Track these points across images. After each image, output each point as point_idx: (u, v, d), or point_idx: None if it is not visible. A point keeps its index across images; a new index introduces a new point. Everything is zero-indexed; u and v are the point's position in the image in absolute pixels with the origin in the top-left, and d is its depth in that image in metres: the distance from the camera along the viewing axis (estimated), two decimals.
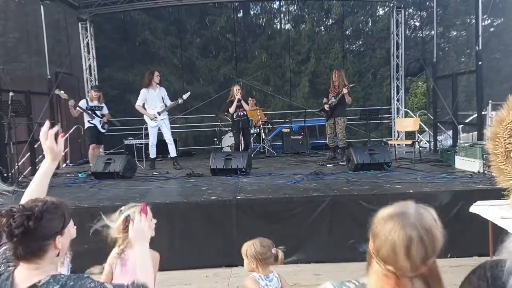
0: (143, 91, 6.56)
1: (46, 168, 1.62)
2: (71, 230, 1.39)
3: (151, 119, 6.56)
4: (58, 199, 1.37)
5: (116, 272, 2.19)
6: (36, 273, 1.26)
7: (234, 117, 7.21)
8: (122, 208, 2.21)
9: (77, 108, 6.56)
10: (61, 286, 1.24)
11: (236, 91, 7.06)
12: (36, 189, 1.54)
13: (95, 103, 6.80)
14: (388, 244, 0.98)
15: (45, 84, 7.58)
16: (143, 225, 1.55)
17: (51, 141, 1.62)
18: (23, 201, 1.45)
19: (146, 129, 6.97)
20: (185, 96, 6.71)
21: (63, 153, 1.66)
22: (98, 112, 6.79)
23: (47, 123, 1.65)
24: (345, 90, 6.49)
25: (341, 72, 6.82)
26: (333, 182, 5.04)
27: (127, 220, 2.07)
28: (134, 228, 1.54)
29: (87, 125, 6.79)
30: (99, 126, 6.76)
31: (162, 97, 6.61)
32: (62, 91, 6.62)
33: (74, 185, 5.71)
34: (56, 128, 1.66)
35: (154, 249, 2.20)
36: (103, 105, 6.97)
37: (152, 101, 6.55)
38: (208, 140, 10.69)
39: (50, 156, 1.62)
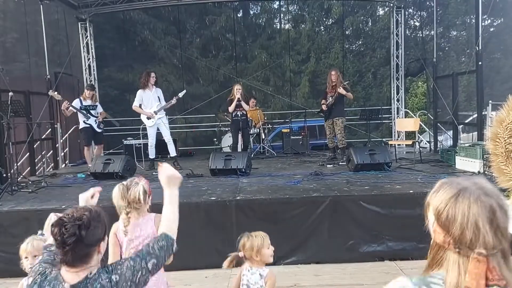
0: (139, 92, 6.57)
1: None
2: (107, 238, 1.49)
3: (148, 118, 6.54)
4: (99, 207, 1.47)
5: (122, 241, 2.25)
6: (81, 273, 1.36)
7: (233, 116, 7.19)
8: (136, 179, 2.29)
9: (70, 108, 6.50)
10: (108, 272, 1.36)
11: (236, 91, 7.05)
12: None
13: (89, 102, 6.74)
14: (471, 223, 0.89)
15: (45, 84, 7.56)
16: (172, 171, 1.72)
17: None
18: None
19: (144, 129, 6.96)
20: (180, 94, 6.69)
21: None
22: (92, 111, 6.72)
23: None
24: (340, 89, 6.48)
25: (337, 71, 6.82)
26: (333, 183, 5.03)
27: (145, 191, 2.23)
28: (166, 173, 1.71)
29: (82, 125, 6.71)
30: (95, 126, 6.69)
31: (158, 98, 6.61)
32: (56, 92, 6.57)
33: (73, 185, 5.70)
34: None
35: None
36: (97, 104, 6.93)
37: (148, 101, 6.54)
38: (207, 140, 10.69)
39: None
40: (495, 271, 0.88)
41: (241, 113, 7.14)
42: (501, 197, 0.94)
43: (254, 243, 2.33)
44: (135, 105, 6.58)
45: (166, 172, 1.72)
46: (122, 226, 2.23)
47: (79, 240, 1.31)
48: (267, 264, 2.42)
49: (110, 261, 2.23)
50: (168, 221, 1.64)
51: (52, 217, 2.50)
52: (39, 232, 2.17)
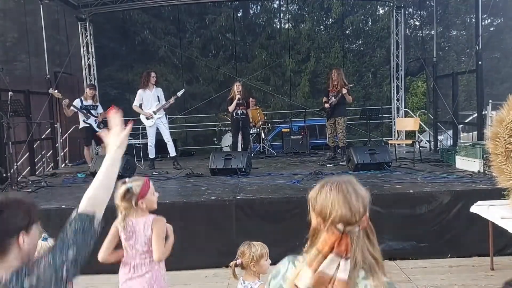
0: (139, 92, 6.56)
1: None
2: (36, 233, 1.27)
3: (147, 118, 6.54)
4: (25, 196, 1.29)
5: (122, 236, 2.26)
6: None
7: (234, 115, 7.18)
8: (127, 179, 2.30)
9: (71, 107, 6.50)
10: (19, 276, 1.14)
11: (237, 89, 7.04)
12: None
13: (90, 102, 6.72)
14: (331, 203, 1.15)
15: (45, 84, 7.55)
16: (120, 134, 1.38)
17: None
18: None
19: (143, 129, 6.95)
20: (179, 93, 6.68)
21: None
22: (93, 112, 6.70)
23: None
24: (344, 91, 6.47)
25: (340, 71, 6.80)
26: None
27: (128, 191, 2.22)
28: (115, 134, 1.38)
29: (82, 125, 6.70)
30: (94, 126, 6.67)
31: (158, 97, 6.60)
32: (56, 91, 6.55)
33: (73, 185, 5.70)
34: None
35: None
36: (98, 104, 6.92)
37: (148, 101, 6.54)
38: (207, 140, 10.69)
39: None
40: (345, 245, 1.10)
41: (241, 111, 7.12)
42: (358, 187, 1.19)
43: (254, 253, 2.31)
44: (135, 104, 6.58)
45: (116, 133, 1.39)
46: (119, 224, 2.27)
47: None
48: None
49: (102, 249, 2.23)
50: (93, 191, 1.28)
51: None
52: (43, 235, 2.12)
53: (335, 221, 1.12)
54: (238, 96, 6.99)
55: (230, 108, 7.11)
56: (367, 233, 1.16)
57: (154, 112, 6.54)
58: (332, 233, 1.12)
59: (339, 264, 1.09)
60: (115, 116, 1.43)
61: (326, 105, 6.76)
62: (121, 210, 2.27)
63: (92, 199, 1.28)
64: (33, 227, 1.24)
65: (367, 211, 1.18)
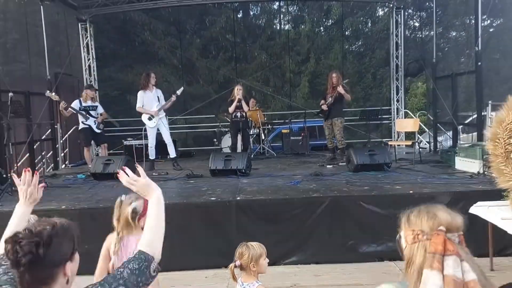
0: (140, 93, 6.55)
1: (22, 212, 1.55)
2: (77, 258, 1.27)
3: (149, 119, 6.53)
4: (67, 221, 1.25)
5: (114, 257, 2.23)
6: None
7: (233, 117, 7.20)
8: (123, 197, 2.31)
9: (69, 109, 6.48)
10: None
11: (237, 91, 7.06)
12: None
13: (89, 103, 6.71)
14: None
15: (45, 85, 7.55)
16: (142, 180, 1.49)
17: (33, 187, 1.57)
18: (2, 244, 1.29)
19: (144, 130, 6.95)
20: (179, 92, 6.67)
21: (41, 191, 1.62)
22: (92, 112, 6.68)
23: (28, 172, 1.59)
24: (339, 89, 6.50)
25: (338, 73, 6.85)
26: (333, 183, 5.04)
27: (134, 211, 2.22)
28: (138, 187, 1.49)
29: (81, 126, 6.69)
30: (94, 127, 6.67)
31: (158, 98, 6.61)
32: (53, 93, 6.54)
33: (73, 186, 5.70)
34: (36, 177, 1.61)
35: None
36: (97, 104, 6.91)
37: (149, 102, 6.54)
38: (207, 140, 10.68)
39: (26, 201, 1.56)
40: (451, 245, 1.14)
41: (240, 114, 7.14)
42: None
43: (253, 253, 2.31)
44: (138, 106, 6.55)
45: (138, 184, 1.49)
46: (113, 244, 2.24)
47: (37, 259, 1.10)
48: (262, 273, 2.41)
49: (95, 275, 2.21)
50: (151, 237, 1.35)
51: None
52: None
53: (438, 226, 1.17)
54: (238, 97, 7.01)
55: (230, 110, 7.13)
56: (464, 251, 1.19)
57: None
58: (437, 235, 1.15)
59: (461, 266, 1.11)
60: (123, 176, 1.50)
61: (323, 107, 6.79)
62: (119, 230, 2.25)
63: (150, 241, 1.34)
64: (76, 253, 1.24)
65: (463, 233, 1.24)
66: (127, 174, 1.50)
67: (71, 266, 1.19)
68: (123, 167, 1.57)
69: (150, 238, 1.35)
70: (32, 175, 1.58)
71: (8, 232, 1.44)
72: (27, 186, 1.56)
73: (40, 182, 1.62)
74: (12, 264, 1.12)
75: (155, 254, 1.31)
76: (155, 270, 1.29)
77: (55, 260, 1.15)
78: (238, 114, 7.13)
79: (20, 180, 1.58)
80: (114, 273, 1.24)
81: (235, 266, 2.31)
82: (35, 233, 1.12)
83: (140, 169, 1.55)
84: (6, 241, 1.14)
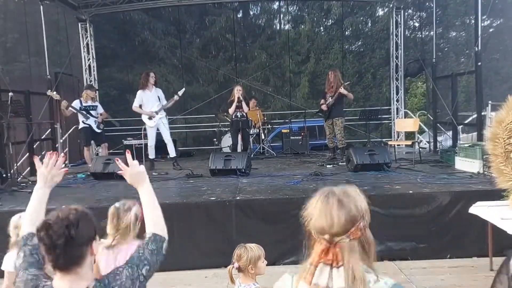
0: (139, 93, 6.54)
1: (41, 194, 1.60)
2: (97, 241, 1.40)
3: (149, 118, 6.53)
4: (82, 207, 1.38)
5: (103, 264, 2.17)
6: (78, 281, 1.26)
7: (233, 117, 7.20)
8: (117, 204, 2.29)
9: (70, 108, 6.48)
10: (107, 284, 1.30)
11: (237, 92, 7.06)
12: (31, 217, 1.52)
13: (89, 103, 6.70)
14: (314, 212, 1.17)
15: (45, 84, 7.55)
16: (136, 168, 1.59)
17: (56, 169, 1.65)
18: (24, 227, 1.48)
19: (144, 129, 6.95)
20: (180, 93, 6.67)
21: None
22: (93, 112, 6.68)
23: (53, 156, 1.67)
24: (341, 89, 6.50)
25: (336, 72, 6.84)
26: (332, 183, 5.02)
27: (136, 217, 2.21)
28: (129, 174, 1.59)
29: (81, 125, 6.68)
30: (94, 126, 6.66)
31: (159, 97, 6.60)
32: (54, 92, 6.54)
33: (73, 185, 5.70)
34: (61, 159, 1.69)
35: None
36: (98, 104, 6.91)
37: (149, 102, 6.54)
38: (207, 140, 10.69)
39: (47, 183, 1.63)
40: (333, 254, 1.11)
41: (240, 114, 7.14)
42: (350, 197, 1.18)
43: (251, 255, 2.30)
44: (135, 105, 6.56)
45: (130, 171, 1.60)
46: (101, 250, 2.20)
47: (70, 240, 1.22)
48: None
49: None
50: (155, 219, 1.51)
51: (14, 219, 2.53)
52: None
53: (319, 232, 1.14)
54: (237, 96, 7.01)
55: (230, 111, 7.14)
56: (362, 244, 1.15)
57: (156, 112, 6.54)
58: (320, 243, 1.14)
59: (331, 274, 1.08)
60: (121, 163, 1.62)
61: (323, 107, 6.79)
62: (114, 239, 2.22)
63: (159, 224, 1.50)
64: (97, 236, 1.37)
65: (360, 222, 1.16)
66: (125, 163, 1.61)
67: (96, 246, 1.33)
68: (127, 151, 1.69)
69: (156, 220, 1.50)
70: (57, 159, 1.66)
71: (27, 216, 1.53)
72: (49, 168, 1.62)
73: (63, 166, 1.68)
74: (48, 249, 1.23)
75: (164, 234, 1.48)
76: (165, 248, 1.46)
77: (84, 239, 1.27)
78: (238, 114, 7.13)
79: (43, 163, 1.64)
80: (137, 254, 1.40)
81: (233, 268, 2.31)
82: (63, 217, 1.25)
83: (129, 156, 1.64)
84: (38, 229, 1.25)
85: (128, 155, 1.64)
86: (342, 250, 1.10)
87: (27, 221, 1.51)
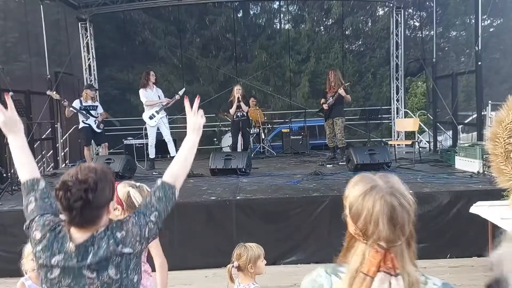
0: (142, 91, 6.56)
1: (14, 142, 1.52)
2: (114, 199, 1.44)
3: (150, 118, 6.51)
4: (102, 164, 1.40)
5: None
6: (88, 232, 1.32)
7: (234, 117, 7.22)
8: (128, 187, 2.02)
9: (70, 108, 6.48)
10: (113, 229, 1.33)
11: (237, 92, 7.07)
12: (22, 166, 1.50)
13: (89, 102, 6.69)
14: (373, 219, 1.01)
15: (45, 84, 7.56)
16: (198, 117, 1.62)
17: (10, 110, 1.51)
18: (22, 176, 1.47)
19: (144, 129, 6.95)
20: (180, 92, 6.67)
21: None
22: (93, 112, 6.67)
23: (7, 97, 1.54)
24: (340, 90, 6.49)
25: (337, 72, 6.84)
26: (332, 182, 5.04)
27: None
28: (192, 119, 1.61)
29: (81, 125, 6.66)
30: (94, 126, 6.66)
31: (159, 97, 6.61)
32: (54, 92, 6.53)
33: None
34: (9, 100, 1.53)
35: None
36: (98, 104, 6.91)
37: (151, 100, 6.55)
38: (207, 140, 10.69)
39: (9, 128, 1.51)
40: (390, 261, 1.00)
41: (241, 113, 7.17)
42: (406, 197, 1.06)
43: (251, 255, 2.30)
44: (145, 101, 6.50)
45: (193, 119, 1.63)
46: None
47: (87, 203, 1.25)
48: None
49: None
50: (176, 165, 1.51)
51: (27, 247, 2.36)
52: None
53: (375, 238, 1.01)
54: (237, 97, 7.02)
55: (231, 111, 7.15)
56: (408, 241, 1.04)
57: (157, 112, 6.55)
58: (376, 252, 1.01)
59: (390, 284, 0.98)
60: (188, 103, 1.66)
61: (324, 106, 6.79)
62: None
63: (175, 174, 1.48)
64: (114, 194, 1.42)
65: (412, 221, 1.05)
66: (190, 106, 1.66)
67: (112, 204, 1.38)
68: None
69: (176, 172, 1.49)
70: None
71: (18, 166, 1.50)
72: (9, 114, 1.50)
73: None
74: (65, 208, 1.27)
75: (176, 182, 1.47)
76: (176, 195, 1.47)
77: (101, 202, 1.30)
78: (239, 114, 7.16)
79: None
80: (144, 203, 1.43)
81: (233, 267, 2.30)
82: (82, 180, 1.26)
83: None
84: (57, 189, 1.28)
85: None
86: (396, 255, 1.00)
87: (20, 171, 1.49)
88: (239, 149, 7.26)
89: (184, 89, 6.87)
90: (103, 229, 1.33)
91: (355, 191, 1.08)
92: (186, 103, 1.67)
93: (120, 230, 1.34)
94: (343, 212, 1.12)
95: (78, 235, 1.31)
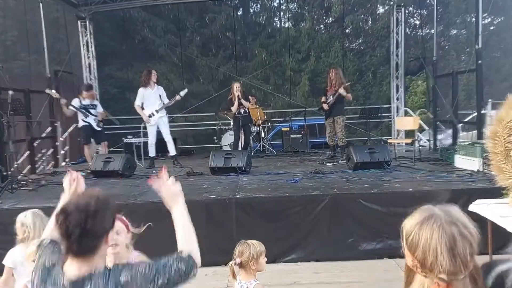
0: (141, 90, 6.54)
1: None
2: (114, 230, 1.40)
3: (149, 117, 6.54)
4: (105, 192, 1.36)
5: None
6: (86, 268, 1.27)
7: (236, 114, 7.23)
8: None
9: (70, 107, 6.48)
10: (116, 270, 1.27)
11: (236, 89, 7.06)
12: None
13: (88, 101, 6.70)
14: (432, 249, 0.95)
15: (45, 83, 7.55)
16: (172, 189, 1.51)
17: (75, 183, 1.69)
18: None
19: (145, 127, 6.95)
20: (182, 93, 6.66)
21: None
22: (92, 111, 6.67)
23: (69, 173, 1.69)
24: (341, 90, 6.47)
25: (338, 71, 6.81)
26: (332, 181, 5.04)
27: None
28: (166, 191, 1.50)
29: (81, 123, 6.67)
30: (94, 124, 6.65)
31: (160, 96, 6.60)
32: (53, 91, 6.52)
33: None
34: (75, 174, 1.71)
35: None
36: (97, 103, 6.90)
37: (150, 100, 6.53)
38: (207, 138, 10.70)
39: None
40: None
41: (243, 110, 7.19)
42: (467, 226, 0.99)
43: (253, 251, 2.30)
44: (137, 104, 6.55)
45: (167, 191, 1.50)
46: None
47: (85, 231, 1.22)
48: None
49: None
50: (191, 242, 1.44)
51: (20, 217, 2.48)
52: None
53: (439, 273, 0.95)
54: (237, 94, 7.02)
55: (233, 109, 7.15)
56: (473, 277, 0.97)
57: (157, 111, 6.54)
58: (437, 286, 0.96)
59: None
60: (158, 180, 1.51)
61: (325, 106, 6.77)
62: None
63: (193, 250, 1.40)
64: (115, 221, 1.37)
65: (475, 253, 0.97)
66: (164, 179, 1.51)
67: (111, 235, 1.32)
68: (164, 167, 1.56)
69: (192, 244, 1.43)
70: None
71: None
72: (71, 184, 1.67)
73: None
74: (62, 235, 1.24)
75: (198, 260, 1.39)
76: (192, 275, 1.36)
77: (100, 232, 1.27)
78: (241, 111, 7.17)
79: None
80: (164, 262, 1.31)
81: (235, 264, 2.31)
82: (82, 207, 1.24)
83: (164, 172, 1.51)
84: (57, 214, 1.26)
85: (164, 171, 1.52)
86: None
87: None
88: (240, 147, 7.26)
89: (186, 90, 6.84)
90: (103, 268, 1.27)
91: (412, 220, 1.04)
92: (156, 182, 1.51)
93: (126, 274, 1.26)
94: (401, 244, 1.06)
95: (73, 270, 1.26)
